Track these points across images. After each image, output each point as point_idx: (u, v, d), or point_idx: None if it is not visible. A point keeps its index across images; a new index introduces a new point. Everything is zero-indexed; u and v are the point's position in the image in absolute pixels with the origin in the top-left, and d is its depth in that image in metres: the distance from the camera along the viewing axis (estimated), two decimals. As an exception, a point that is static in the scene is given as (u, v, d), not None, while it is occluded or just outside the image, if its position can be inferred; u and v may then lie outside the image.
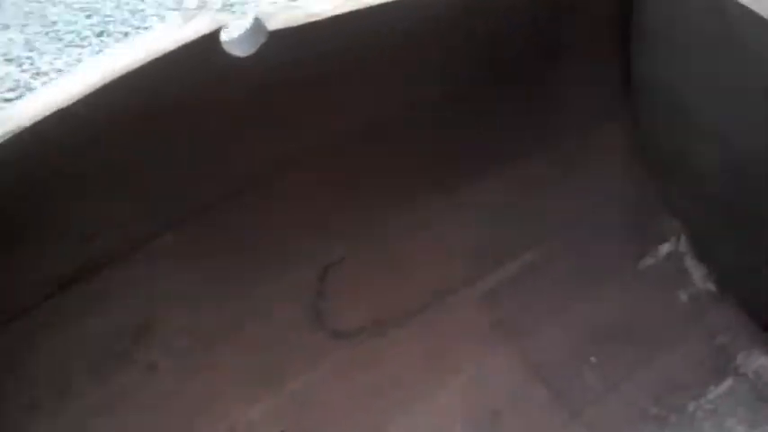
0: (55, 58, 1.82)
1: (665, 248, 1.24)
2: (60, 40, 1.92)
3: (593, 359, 1.13)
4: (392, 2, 0.98)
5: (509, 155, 1.22)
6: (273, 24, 0.94)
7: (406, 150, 1.15)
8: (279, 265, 1.12)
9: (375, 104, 1.11)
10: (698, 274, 1.23)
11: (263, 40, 0.93)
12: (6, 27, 1.97)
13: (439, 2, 1.04)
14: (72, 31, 1.94)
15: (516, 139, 1.22)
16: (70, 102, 0.80)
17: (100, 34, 1.95)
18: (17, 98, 1.66)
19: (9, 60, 1.84)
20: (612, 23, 1.19)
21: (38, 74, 1.78)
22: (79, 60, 1.80)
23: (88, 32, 1.96)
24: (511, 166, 1.23)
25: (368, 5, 0.98)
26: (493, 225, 1.22)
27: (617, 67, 1.22)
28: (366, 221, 1.14)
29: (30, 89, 1.71)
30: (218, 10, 1.79)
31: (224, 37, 0.92)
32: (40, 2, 2.08)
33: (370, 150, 1.13)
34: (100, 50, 1.83)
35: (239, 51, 0.93)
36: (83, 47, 1.87)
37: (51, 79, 1.74)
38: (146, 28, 1.84)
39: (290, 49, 0.96)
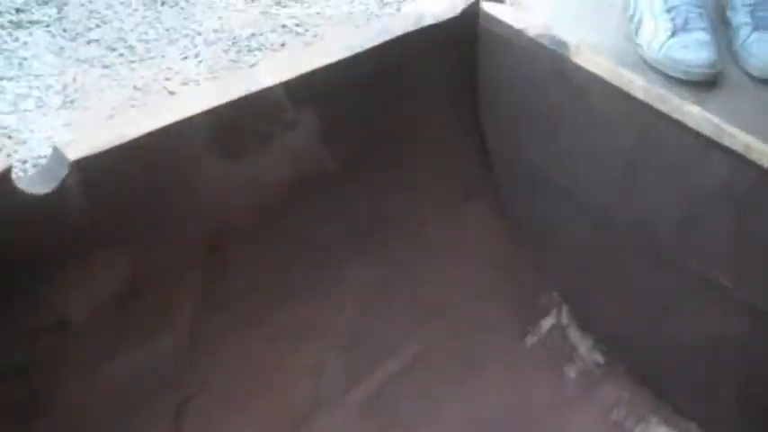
0: None
1: (547, 323, 1.18)
2: None
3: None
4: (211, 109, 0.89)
5: (373, 245, 1.14)
6: (76, 153, 0.83)
7: (263, 253, 1.05)
8: (130, 410, 1.00)
9: (224, 208, 1.01)
10: (584, 345, 1.17)
11: (64, 172, 0.82)
12: None
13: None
14: None
15: (379, 226, 1.14)
16: None
17: None
18: None
19: None
20: (464, 98, 1.13)
21: None
22: None
23: None
24: (378, 255, 1.15)
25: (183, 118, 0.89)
26: (364, 322, 1.13)
27: (475, 143, 1.16)
28: (223, 337, 1.04)
29: None
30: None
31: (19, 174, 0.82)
32: None
33: (225, 257, 1.03)
34: None
35: (39, 188, 0.82)
36: None
37: None
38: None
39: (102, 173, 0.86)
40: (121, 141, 0.84)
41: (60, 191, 0.82)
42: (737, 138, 0.91)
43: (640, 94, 0.94)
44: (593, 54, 0.97)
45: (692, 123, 0.92)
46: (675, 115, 0.93)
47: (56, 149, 0.83)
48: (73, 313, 0.91)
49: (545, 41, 0.98)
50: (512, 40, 1.01)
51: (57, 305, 0.90)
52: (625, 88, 0.95)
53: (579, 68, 0.97)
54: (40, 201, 0.81)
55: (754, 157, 0.90)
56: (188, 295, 1.01)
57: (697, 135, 0.92)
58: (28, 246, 0.84)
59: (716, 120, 0.92)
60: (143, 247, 0.94)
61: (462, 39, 1.05)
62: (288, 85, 0.94)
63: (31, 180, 0.82)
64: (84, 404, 0.93)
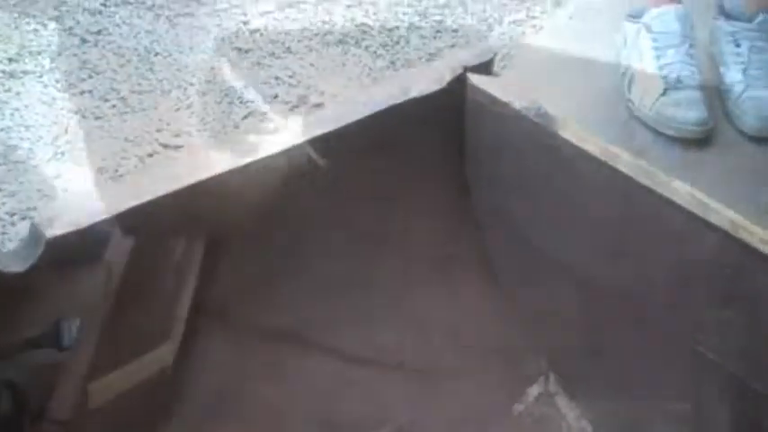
0: None
1: (534, 391, 1.17)
2: None
3: None
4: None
5: (358, 313, 1.13)
6: (56, 229, 0.82)
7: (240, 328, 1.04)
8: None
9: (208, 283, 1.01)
10: (572, 413, 1.15)
11: (40, 250, 0.81)
12: None
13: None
14: None
15: (365, 291, 1.13)
16: None
17: None
18: None
19: None
20: (452, 167, 1.13)
21: None
22: None
23: None
24: (363, 321, 1.14)
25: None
26: (348, 392, 1.11)
27: (464, 210, 1.16)
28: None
29: None
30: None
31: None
32: None
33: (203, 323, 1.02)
34: None
35: (16, 266, 0.81)
36: None
37: None
38: None
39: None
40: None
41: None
42: (723, 214, 0.90)
43: (626, 169, 0.93)
44: (580, 127, 0.97)
45: (678, 199, 0.92)
46: (661, 190, 0.92)
47: (33, 226, 0.82)
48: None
49: (531, 114, 0.98)
50: (499, 113, 1.01)
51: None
52: (611, 162, 0.94)
53: (566, 142, 0.96)
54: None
55: (740, 233, 0.89)
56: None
57: (683, 211, 0.91)
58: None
59: (702, 196, 0.91)
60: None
61: (450, 110, 1.04)
62: (277, 158, 0.94)
63: (7, 258, 0.81)
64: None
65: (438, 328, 1.16)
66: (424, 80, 1.00)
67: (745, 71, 1.66)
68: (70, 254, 0.85)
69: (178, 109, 1.76)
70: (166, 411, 1.00)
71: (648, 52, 1.66)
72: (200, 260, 0.99)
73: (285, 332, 1.08)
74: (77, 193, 1.45)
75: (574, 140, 0.95)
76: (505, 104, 0.99)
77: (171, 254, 0.97)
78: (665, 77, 1.63)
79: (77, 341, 0.88)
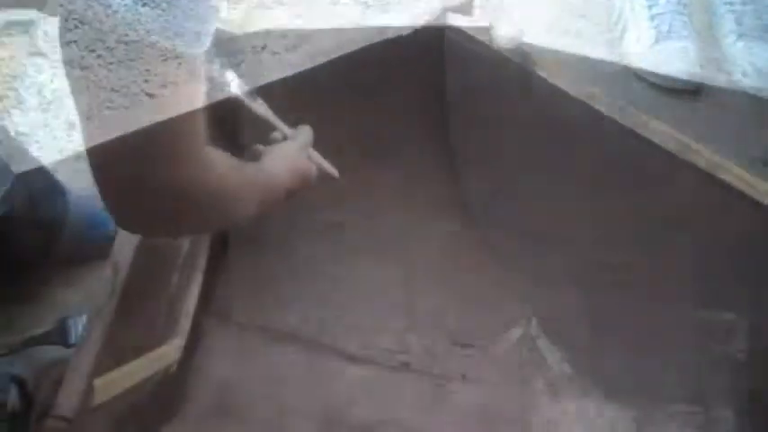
0: None
1: (515, 333, 1.16)
2: None
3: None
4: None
5: (347, 255, 1.12)
6: (23, 165, 0.82)
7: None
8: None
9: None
10: (553, 357, 1.15)
11: (8, 185, 0.81)
12: None
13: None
14: None
15: (343, 234, 1.13)
16: None
17: None
18: None
19: None
20: (432, 110, 1.12)
21: None
22: None
23: None
24: (349, 264, 1.14)
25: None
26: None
27: (444, 155, 1.15)
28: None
29: None
30: None
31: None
32: None
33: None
34: None
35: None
36: None
37: None
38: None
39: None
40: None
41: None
42: (703, 155, 0.89)
43: (604, 109, 0.92)
44: (559, 67, 0.95)
45: (656, 139, 0.91)
46: (640, 130, 0.91)
47: (1, 161, 0.82)
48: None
49: (510, 55, 0.96)
50: (478, 53, 0.99)
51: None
52: (588, 102, 0.93)
53: (544, 82, 0.95)
54: None
55: (720, 174, 0.88)
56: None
57: (662, 151, 0.90)
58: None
59: (681, 136, 0.90)
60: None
61: (429, 51, 1.03)
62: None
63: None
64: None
65: (419, 269, 1.15)
66: (402, 19, 0.99)
67: (738, 20, 1.64)
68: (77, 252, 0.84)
69: (165, 59, 1.73)
70: (170, 409, 1.00)
71: (640, 1, 1.64)
72: (205, 259, 0.99)
73: (290, 332, 1.08)
74: (57, 138, 1.45)
75: (552, 80, 0.94)
76: (485, 45, 0.98)
77: (177, 252, 0.97)
78: (656, 27, 1.61)
79: (84, 338, 0.88)
